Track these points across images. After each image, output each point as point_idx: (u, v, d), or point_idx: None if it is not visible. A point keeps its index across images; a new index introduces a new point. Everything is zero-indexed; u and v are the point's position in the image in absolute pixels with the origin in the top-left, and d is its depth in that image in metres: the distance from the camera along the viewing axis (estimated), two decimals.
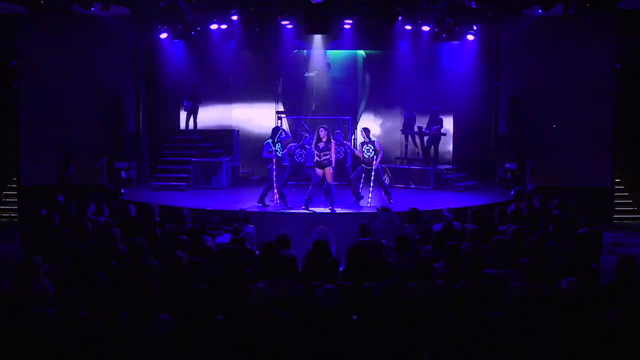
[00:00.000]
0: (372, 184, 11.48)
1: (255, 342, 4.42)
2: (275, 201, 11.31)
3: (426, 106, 14.84)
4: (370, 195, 11.47)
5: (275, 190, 11.19)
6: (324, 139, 10.52)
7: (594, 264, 6.90)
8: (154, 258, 6.22)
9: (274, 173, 11.07)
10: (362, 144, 11.65)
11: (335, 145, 11.02)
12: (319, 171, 10.63)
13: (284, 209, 10.89)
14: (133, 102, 14.50)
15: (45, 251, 6.66)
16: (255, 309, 4.48)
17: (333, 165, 10.66)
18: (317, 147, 10.56)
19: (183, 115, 14.98)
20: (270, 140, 11.17)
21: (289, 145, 11.54)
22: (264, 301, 4.49)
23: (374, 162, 11.38)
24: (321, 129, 10.63)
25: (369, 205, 11.19)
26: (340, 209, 10.88)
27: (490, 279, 5.58)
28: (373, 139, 11.88)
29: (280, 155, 11.14)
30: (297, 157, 11.29)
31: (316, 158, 10.60)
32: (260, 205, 11.21)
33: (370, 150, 11.49)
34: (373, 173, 11.45)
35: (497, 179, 14.40)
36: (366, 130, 11.74)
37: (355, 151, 11.94)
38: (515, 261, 6.05)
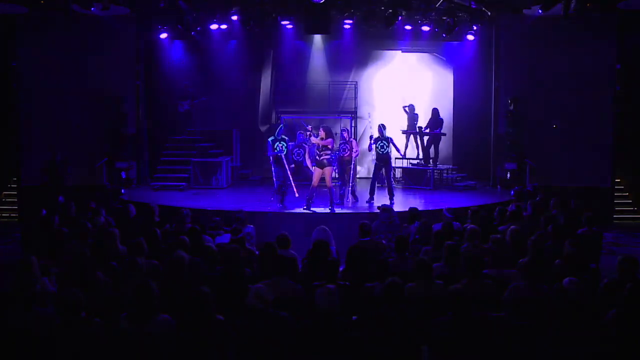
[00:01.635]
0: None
1: (255, 342, 4.42)
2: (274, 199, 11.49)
3: (426, 106, 14.84)
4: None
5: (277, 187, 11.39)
6: (324, 138, 10.52)
7: (594, 264, 6.90)
8: (154, 258, 6.23)
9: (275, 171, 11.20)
10: (376, 140, 11.66)
11: (342, 144, 11.27)
12: (318, 170, 10.62)
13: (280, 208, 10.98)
14: (133, 102, 14.49)
15: (45, 251, 6.68)
16: (253, 310, 4.48)
17: (334, 164, 10.66)
18: (317, 146, 10.57)
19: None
20: (271, 139, 11.27)
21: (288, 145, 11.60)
22: (262, 302, 4.49)
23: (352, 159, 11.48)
24: (321, 129, 10.65)
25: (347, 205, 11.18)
26: (340, 209, 10.87)
27: (490, 279, 5.58)
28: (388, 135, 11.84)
29: (278, 152, 11.17)
30: (295, 156, 11.35)
31: (316, 157, 10.60)
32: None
33: (385, 147, 11.54)
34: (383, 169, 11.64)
35: (497, 179, 14.39)
36: (382, 127, 11.76)
37: (355, 150, 11.80)
38: (515, 261, 6.05)
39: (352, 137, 11.36)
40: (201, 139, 14.71)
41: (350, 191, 11.47)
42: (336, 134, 13.46)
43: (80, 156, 13.76)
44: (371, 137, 11.78)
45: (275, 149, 11.11)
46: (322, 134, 10.55)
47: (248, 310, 4.53)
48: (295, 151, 11.47)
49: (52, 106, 14.04)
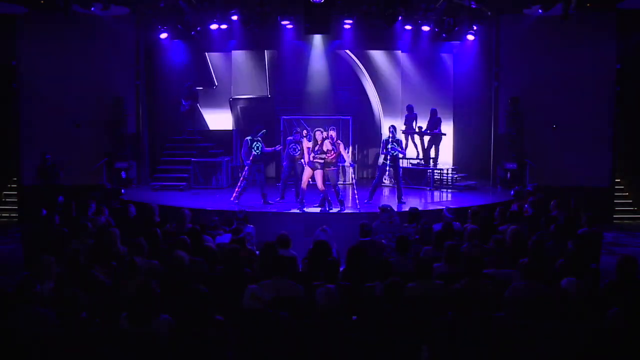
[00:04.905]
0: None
1: (255, 342, 4.42)
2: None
3: (426, 106, 14.85)
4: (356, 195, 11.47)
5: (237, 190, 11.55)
6: (320, 142, 10.51)
7: (594, 264, 6.90)
8: (154, 258, 6.23)
9: (246, 172, 11.51)
10: (386, 141, 11.66)
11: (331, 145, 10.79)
12: (308, 171, 10.61)
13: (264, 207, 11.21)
14: (133, 102, 14.50)
15: (45, 251, 6.68)
16: (249, 311, 4.49)
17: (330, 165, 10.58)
18: (313, 149, 10.54)
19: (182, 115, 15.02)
20: (249, 138, 11.49)
21: (287, 139, 11.70)
22: (259, 302, 4.49)
23: (349, 162, 11.39)
24: (317, 132, 10.62)
25: (358, 207, 11.14)
26: (337, 209, 10.86)
27: (490, 279, 5.58)
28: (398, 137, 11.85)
29: (259, 153, 11.44)
30: (290, 151, 11.45)
31: (309, 159, 10.59)
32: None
33: (396, 147, 11.56)
34: (390, 169, 11.76)
35: (497, 179, 14.39)
36: (393, 128, 11.78)
37: (344, 153, 11.33)
38: (515, 261, 6.05)
39: (339, 139, 11.18)
40: (201, 139, 14.72)
41: (334, 196, 10.95)
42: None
43: (80, 156, 13.77)
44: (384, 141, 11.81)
45: (253, 148, 11.42)
46: (319, 136, 10.51)
47: (244, 311, 4.53)
48: (292, 146, 11.59)
49: (52, 106, 14.02)
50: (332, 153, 10.60)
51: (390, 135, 11.72)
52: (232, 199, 11.54)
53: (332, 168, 10.76)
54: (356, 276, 5.62)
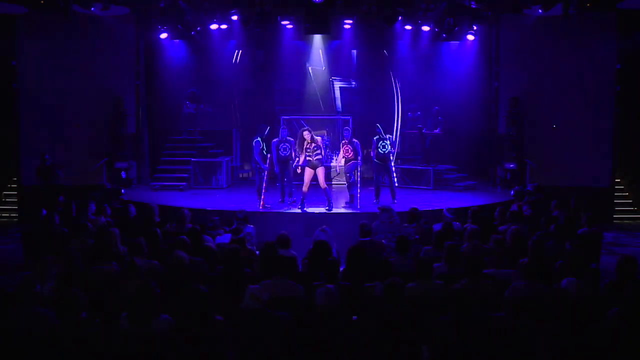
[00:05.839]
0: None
1: (254, 342, 4.43)
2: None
3: (426, 106, 14.86)
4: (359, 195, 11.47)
5: (264, 191, 11.22)
6: (310, 140, 10.50)
7: (594, 264, 6.91)
8: (154, 258, 6.23)
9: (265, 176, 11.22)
10: (377, 139, 11.65)
11: (346, 145, 11.19)
12: (309, 171, 10.61)
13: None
14: (133, 102, 14.49)
15: (45, 251, 6.68)
16: (249, 311, 4.48)
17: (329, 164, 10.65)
18: (306, 149, 10.52)
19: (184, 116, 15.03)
20: (259, 139, 11.28)
21: (272, 142, 11.42)
22: (259, 302, 4.49)
23: (359, 160, 11.33)
24: (305, 132, 10.60)
25: (358, 207, 11.14)
26: (338, 209, 10.87)
27: (490, 279, 5.58)
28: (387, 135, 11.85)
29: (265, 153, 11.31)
30: (281, 152, 11.26)
31: (307, 158, 10.58)
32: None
33: (387, 146, 11.56)
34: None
35: (497, 179, 14.40)
36: (379, 127, 11.78)
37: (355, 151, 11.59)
38: (515, 261, 6.05)
39: (354, 137, 11.33)
40: (201, 139, 14.72)
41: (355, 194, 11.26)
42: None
43: (80, 156, 13.77)
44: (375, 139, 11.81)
45: (264, 149, 11.24)
46: (307, 135, 10.52)
47: (244, 312, 4.54)
48: (282, 146, 11.29)
49: (52, 106, 14.02)
50: (350, 152, 11.12)
51: (379, 134, 11.68)
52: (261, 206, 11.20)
53: (353, 162, 11.21)
54: (356, 276, 5.63)
